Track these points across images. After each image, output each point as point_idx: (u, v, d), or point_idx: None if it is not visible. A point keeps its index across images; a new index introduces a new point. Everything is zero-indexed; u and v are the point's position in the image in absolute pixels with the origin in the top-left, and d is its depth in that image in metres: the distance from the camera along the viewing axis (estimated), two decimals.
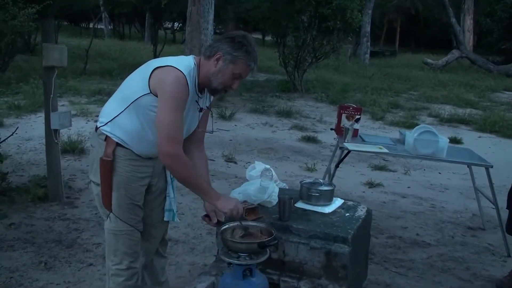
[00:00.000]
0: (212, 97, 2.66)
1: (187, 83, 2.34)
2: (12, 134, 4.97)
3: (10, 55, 11.20)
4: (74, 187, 5.13)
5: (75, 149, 6.30)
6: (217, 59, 2.40)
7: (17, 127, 5.77)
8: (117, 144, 2.44)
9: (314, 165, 6.55)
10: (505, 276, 3.73)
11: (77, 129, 7.05)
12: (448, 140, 4.47)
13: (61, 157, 4.92)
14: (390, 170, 6.68)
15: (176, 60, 2.41)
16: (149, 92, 2.35)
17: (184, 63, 2.39)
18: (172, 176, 2.68)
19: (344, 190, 5.57)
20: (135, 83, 2.43)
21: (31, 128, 7.39)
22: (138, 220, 2.58)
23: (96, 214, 4.50)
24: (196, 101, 2.50)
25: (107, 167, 2.44)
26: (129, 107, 2.40)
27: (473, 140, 8.75)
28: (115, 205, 2.49)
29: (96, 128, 2.51)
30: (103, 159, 2.44)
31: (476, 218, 5.02)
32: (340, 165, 4.78)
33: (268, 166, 3.48)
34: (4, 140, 4.71)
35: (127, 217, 2.52)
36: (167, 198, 2.71)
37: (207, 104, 2.64)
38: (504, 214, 4.02)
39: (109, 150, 2.44)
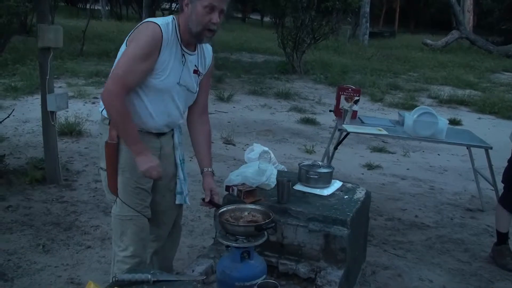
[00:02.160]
0: (210, 62, 2.62)
1: (161, 32, 2.30)
2: (8, 116, 4.94)
3: (7, 36, 11.09)
4: (72, 169, 5.10)
5: (72, 131, 6.26)
6: (186, 5, 2.36)
7: (14, 109, 5.73)
8: None
9: (312, 147, 6.52)
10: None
11: (74, 111, 7.00)
12: (448, 122, 4.45)
13: (58, 139, 4.89)
14: (389, 152, 6.66)
15: (152, 18, 2.40)
16: None
17: (160, 18, 2.40)
18: (181, 159, 2.67)
19: (343, 172, 5.55)
20: (118, 56, 2.40)
21: (28, 110, 7.33)
22: (145, 206, 2.55)
23: (93, 196, 4.49)
24: (183, 55, 2.42)
25: (112, 150, 2.42)
26: None
27: (472, 121, 8.72)
28: (121, 189, 2.47)
29: (101, 113, 2.48)
30: (107, 142, 2.42)
31: (475, 200, 5.01)
32: (339, 147, 4.76)
33: (266, 149, 3.46)
34: (0, 123, 4.67)
35: (133, 202, 2.49)
36: (177, 181, 2.69)
37: (204, 68, 2.59)
38: None
39: (113, 132, 2.41)
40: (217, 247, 2.90)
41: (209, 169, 2.75)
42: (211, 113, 8.53)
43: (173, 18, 2.41)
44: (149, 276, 2.09)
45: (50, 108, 4.52)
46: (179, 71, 2.43)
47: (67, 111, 5.98)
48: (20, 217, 3.98)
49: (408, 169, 6.02)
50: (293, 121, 8.11)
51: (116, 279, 2.07)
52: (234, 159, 5.85)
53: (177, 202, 2.72)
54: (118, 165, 2.44)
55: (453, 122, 8.17)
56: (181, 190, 2.71)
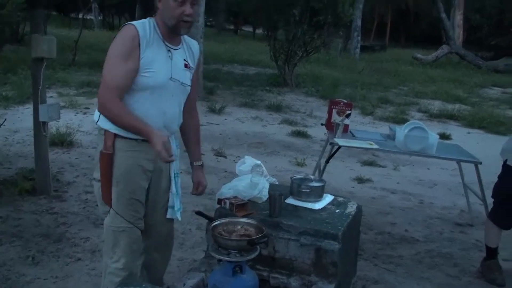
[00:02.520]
0: (197, 55, 2.65)
1: (135, 29, 2.33)
2: (0, 126, 4.90)
3: None
4: (63, 180, 5.08)
5: (63, 141, 6.24)
6: (159, 1, 2.41)
7: (5, 119, 5.70)
8: (116, 136, 2.41)
9: (304, 160, 6.55)
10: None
11: (65, 121, 6.98)
12: (438, 137, 4.49)
13: (49, 150, 4.87)
14: (380, 166, 6.70)
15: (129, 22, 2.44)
16: None
17: (138, 21, 2.44)
18: (175, 172, 2.66)
19: (333, 186, 5.57)
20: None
21: (19, 119, 7.30)
22: (139, 218, 2.54)
23: (84, 208, 4.47)
24: (168, 50, 2.45)
25: (107, 160, 2.42)
26: None
27: (462, 135, 8.80)
28: (115, 200, 2.46)
29: (96, 123, 2.48)
30: (102, 152, 2.42)
31: (465, 214, 5.05)
32: (330, 161, 4.78)
33: (259, 162, 3.47)
34: None
35: (127, 213, 2.48)
36: (170, 195, 2.68)
37: (194, 62, 2.62)
38: None
39: (108, 142, 2.42)
40: (209, 260, 2.89)
41: (199, 163, 2.83)
42: (202, 125, 8.51)
43: (149, 18, 2.45)
44: None
45: (42, 118, 4.51)
46: (168, 66, 2.44)
47: (58, 121, 5.96)
48: (10, 228, 3.95)
49: (398, 183, 6.06)
50: (285, 133, 8.14)
51: None
52: (225, 171, 5.85)
53: (168, 216, 2.70)
54: (113, 176, 2.44)
55: (443, 136, 8.25)
56: (173, 204, 2.70)
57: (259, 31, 32.48)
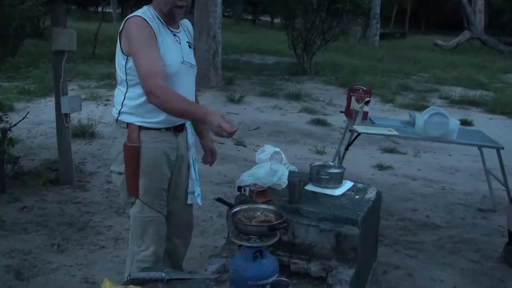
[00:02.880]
0: (192, 32, 2.68)
1: (145, 19, 2.34)
2: (23, 119, 5.00)
3: (19, 39, 11.19)
4: (85, 170, 5.17)
5: (85, 133, 6.34)
6: None
7: (28, 112, 5.80)
8: (140, 128, 2.43)
9: (323, 148, 6.54)
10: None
11: (87, 113, 7.08)
12: (459, 122, 4.44)
13: (71, 141, 4.95)
14: (400, 153, 6.66)
15: (130, 15, 2.43)
16: (126, 56, 2.37)
17: (137, 11, 2.43)
18: (193, 159, 2.70)
19: (354, 173, 5.56)
20: (116, 59, 2.44)
21: (42, 112, 7.43)
22: (164, 205, 2.59)
23: (107, 197, 4.55)
24: (174, 35, 2.48)
25: (134, 154, 2.43)
26: (128, 82, 2.42)
27: (484, 121, 8.68)
28: (142, 192, 2.49)
29: (116, 119, 2.50)
30: (127, 145, 2.42)
31: (487, 200, 5.00)
32: (350, 148, 4.77)
33: (278, 149, 3.48)
34: (15, 125, 4.74)
35: (155, 203, 2.53)
36: (189, 181, 2.72)
37: (192, 40, 2.66)
38: None
39: (133, 135, 2.42)
40: (230, 246, 2.92)
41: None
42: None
43: (147, 7, 2.45)
44: (163, 275, 2.12)
45: (64, 110, 4.58)
46: (179, 50, 2.47)
47: (80, 113, 6.05)
48: (35, 217, 4.05)
49: (419, 169, 6.02)
50: (304, 122, 8.13)
51: (131, 277, 2.11)
52: (245, 160, 5.88)
53: (188, 202, 2.75)
54: (140, 168, 2.45)
55: (465, 122, 8.15)
56: (193, 190, 2.74)
57: (277, 20, 32.34)
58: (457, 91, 11.23)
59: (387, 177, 5.69)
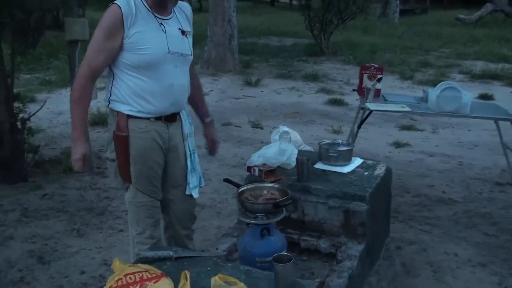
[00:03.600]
0: (191, 15, 2.64)
1: (119, 8, 2.31)
2: (40, 108, 5.13)
3: (40, 31, 11.39)
4: (103, 157, 5.26)
5: (104, 121, 6.43)
6: None
7: (45, 102, 5.93)
8: (128, 116, 2.43)
9: (340, 128, 6.54)
10: None
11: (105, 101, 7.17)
12: (473, 96, 4.40)
13: (90, 129, 5.05)
14: (418, 130, 6.62)
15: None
16: None
17: None
18: (191, 150, 2.68)
19: (370, 151, 5.56)
20: None
21: (62, 102, 7.55)
22: (157, 190, 2.61)
23: (121, 188, 4.63)
24: (160, 23, 2.42)
25: (123, 142, 2.44)
26: (113, 70, 2.43)
27: (505, 95, 8.53)
28: (134, 178, 2.51)
29: (108, 107, 2.53)
30: (116, 134, 2.44)
31: (505, 174, 4.94)
32: (366, 127, 4.78)
33: (286, 129, 3.51)
34: (33, 115, 4.86)
35: (147, 189, 2.55)
36: (187, 172, 2.69)
37: (189, 25, 2.60)
38: None
39: (121, 124, 2.43)
40: (241, 226, 2.97)
41: (209, 119, 2.87)
42: (239, 98, 8.60)
43: None
44: (171, 253, 2.19)
45: None
46: (163, 40, 2.41)
47: (98, 101, 6.14)
48: (56, 204, 4.17)
49: (437, 146, 5.97)
50: (321, 102, 8.12)
51: (140, 256, 2.18)
52: (262, 142, 5.89)
53: (186, 193, 2.71)
54: (130, 156, 2.47)
55: (485, 97, 8.05)
56: (188, 181, 2.70)
57: (295, 1, 32.03)
58: (479, 66, 11.03)
59: (404, 154, 5.67)
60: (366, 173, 3.17)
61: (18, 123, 4.58)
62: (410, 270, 3.20)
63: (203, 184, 2.84)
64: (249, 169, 3.16)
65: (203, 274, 2.04)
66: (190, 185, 2.69)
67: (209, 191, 4.43)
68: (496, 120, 4.68)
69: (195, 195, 2.72)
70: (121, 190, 4.38)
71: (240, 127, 6.57)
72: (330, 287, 2.44)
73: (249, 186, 2.69)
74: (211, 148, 2.95)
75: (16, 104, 4.66)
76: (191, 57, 2.60)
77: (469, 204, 4.29)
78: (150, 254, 2.19)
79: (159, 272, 1.91)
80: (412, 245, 3.55)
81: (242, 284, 1.81)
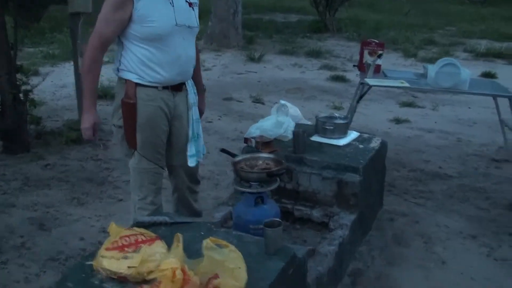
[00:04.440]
0: None
1: None
2: (43, 80, 5.19)
3: (44, 5, 11.36)
4: (106, 129, 5.31)
5: (106, 94, 6.48)
6: None
7: (47, 74, 5.97)
8: (137, 85, 2.51)
9: (341, 104, 6.56)
10: None
11: (108, 75, 7.20)
12: (470, 73, 4.42)
13: None
14: (418, 107, 6.64)
15: None
16: None
17: None
18: (194, 118, 2.75)
19: (370, 127, 5.60)
20: None
21: (66, 75, 7.59)
22: (161, 158, 2.70)
23: (127, 155, 4.71)
24: None
25: (131, 109, 2.52)
26: (122, 41, 2.50)
27: (508, 73, 8.49)
28: (140, 145, 2.59)
29: (117, 75, 2.60)
30: (124, 101, 2.52)
31: (502, 151, 4.99)
32: (367, 103, 4.81)
33: (283, 102, 3.57)
34: (35, 87, 4.92)
35: (152, 156, 2.63)
36: (192, 140, 2.76)
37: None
38: None
39: (130, 92, 2.51)
40: (236, 195, 3.06)
41: (201, 87, 2.95)
42: (241, 73, 8.58)
43: None
44: (167, 218, 2.26)
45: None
46: (171, 12, 2.47)
47: (102, 75, 6.19)
48: (57, 174, 4.25)
49: (436, 122, 6.00)
50: (323, 78, 8.12)
51: (137, 221, 2.25)
52: (262, 116, 5.88)
53: (189, 165, 2.77)
54: (137, 123, 2.54)
55: (488, 75, 8.04)
56: (192, 153, 2.77)
57: None
58: (483, 44, 10.97)
59: (403, 130, 5.70)
60: (361, 146, 3.23)
61: (21, 95, 4.64)
62: (401, 241, 3.27)
63: (205, 151, 2.92)
64: (246, 140, 3.23)
65: (196, 238, 2.11)
66: (189, 154, 2.76)
67: (208, 164, 4.49)
68: (494, 97, 4.71)
69: (192, 164, 2.78)
70: (122, 160, 4.52)
71: (241, 102, 6.60)
72: (321, 253, 2.53)
73: (245, 156, 2.75)
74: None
75: (19, 76, 4.70)
76: (198, 29, 2.67)
77: (464, 179, 4.34)
78: (146, 219, 2.26)
79: (153, 235, 1.98)
80: (405, 217, 3.62)
81: (232, 247, 1.87)
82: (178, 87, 2.64)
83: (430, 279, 2.91)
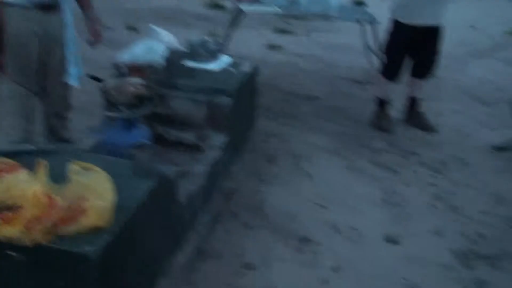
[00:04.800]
0: None
1: None
2: None
3: None
4: None
5: None
6: None
7: None
8: (3, 4, 2.39)
9: (218, 31, 6.56)
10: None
11: None
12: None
13: None
14: (291, 33, 6.83)
15: None
16: None
17: None
18: (70, 39, 2.68)
19: (245, 53, 5.67)
20: None
21: None
22: (32, 82, 2.61)
23: None
24: None
25: None
26: None
27: (375, 2, 8.90)
28: (10, 69, 2.50)
29: None
30: None
31: (366, 73, 5.34)
32: (243, 30, 4.85)
33: (154, 27, 3.52)
34: None
35: (22, 80, 2.54)
36: (67, 62, 2.71)
37: None
38: None
39: None
40: (108, 122, 3.02)
41: (91, 10, 2.89)
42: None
43: None
44: (32, 147, 2.20)
45: None
46: None
47: None
48: None
49: (308, 48, 6.24)
50: (202, 7, 8.02)
51: None
52: None
53: (66, 81, 2.75)
54: (6, 44, 2.44)
55: (358, 3, 8.38)
56: (69, 70, 2.75)
57: None
58: None
59: (278, 56, 5.88)
60: (233, 70, 3.31)
61: None
62: (272, 160, 3.47)
63: (82, 73, 2.85)
64: (116, 66, 3.17)
65: (63, 164, 2.09)
66: (70, 74, 2.71)
67: (80, 94, 4.35)
68: (358, 22, 4.98)
69: (75, 84, 2.76)
70: None
71: (114, 30, 6.35)
72: (193, 174, 2.62)
73: (114, 81, 2.71)
74: (95, 37, 2.92)
75: None
76: None
77: (330, 101, 4.63)
78: (9, 148, 2.19)
79: (14, 163, 1.93)
80: (276, 137, 3.82)
81: (99, 169, 1.89)
82: (49, 6, 2.52)
83: (297, 193, 3.15)
